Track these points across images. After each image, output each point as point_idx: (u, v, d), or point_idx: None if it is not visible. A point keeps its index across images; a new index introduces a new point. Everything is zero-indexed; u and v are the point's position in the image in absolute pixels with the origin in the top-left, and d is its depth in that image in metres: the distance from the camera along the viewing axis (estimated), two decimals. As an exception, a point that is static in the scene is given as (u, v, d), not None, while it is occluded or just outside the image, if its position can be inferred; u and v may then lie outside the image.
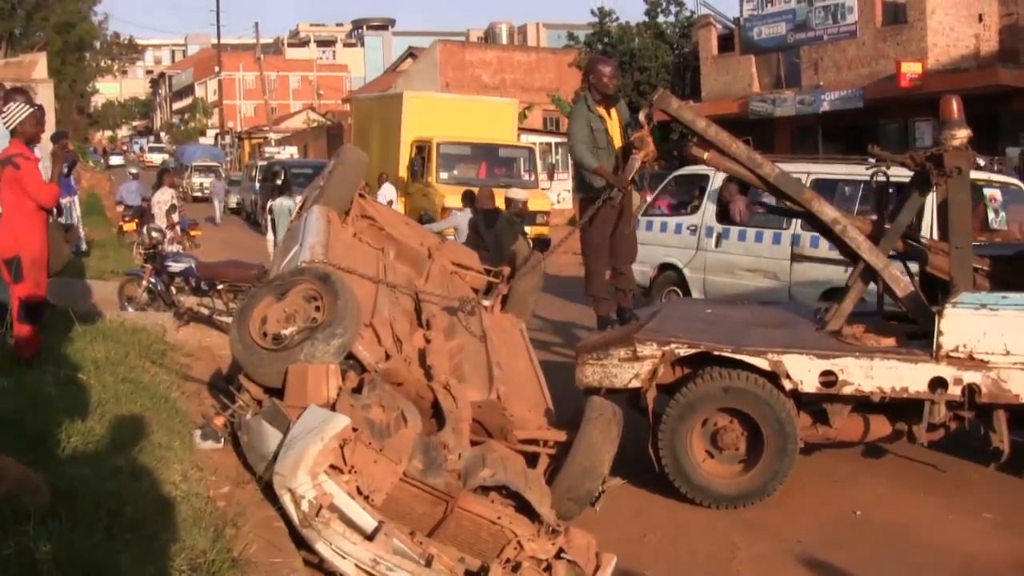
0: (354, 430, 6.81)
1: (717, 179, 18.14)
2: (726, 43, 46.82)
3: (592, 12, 56.50)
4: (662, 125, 11.31)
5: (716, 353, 9.80)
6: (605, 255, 11.97)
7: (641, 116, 11.05)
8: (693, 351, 9.83)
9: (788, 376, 9.63)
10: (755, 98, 42.77)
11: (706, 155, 10.78)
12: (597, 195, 11.40)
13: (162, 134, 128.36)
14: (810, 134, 41.54)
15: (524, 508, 7.49)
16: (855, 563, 8.56)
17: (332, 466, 6.63)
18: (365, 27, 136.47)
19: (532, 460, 8.57)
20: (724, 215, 18.00)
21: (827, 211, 10.60)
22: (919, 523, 9.59)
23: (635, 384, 9.87)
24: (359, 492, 6.66)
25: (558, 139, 49.01)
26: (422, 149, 30.32)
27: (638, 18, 56.00)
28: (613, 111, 11.87)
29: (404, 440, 7.33)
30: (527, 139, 41.17)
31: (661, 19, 55.54)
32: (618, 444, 8.58)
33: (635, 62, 52.21)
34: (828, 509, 9.91)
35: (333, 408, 7.23)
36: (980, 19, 39.13)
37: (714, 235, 17.72)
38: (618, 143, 11.69)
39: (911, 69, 36.76)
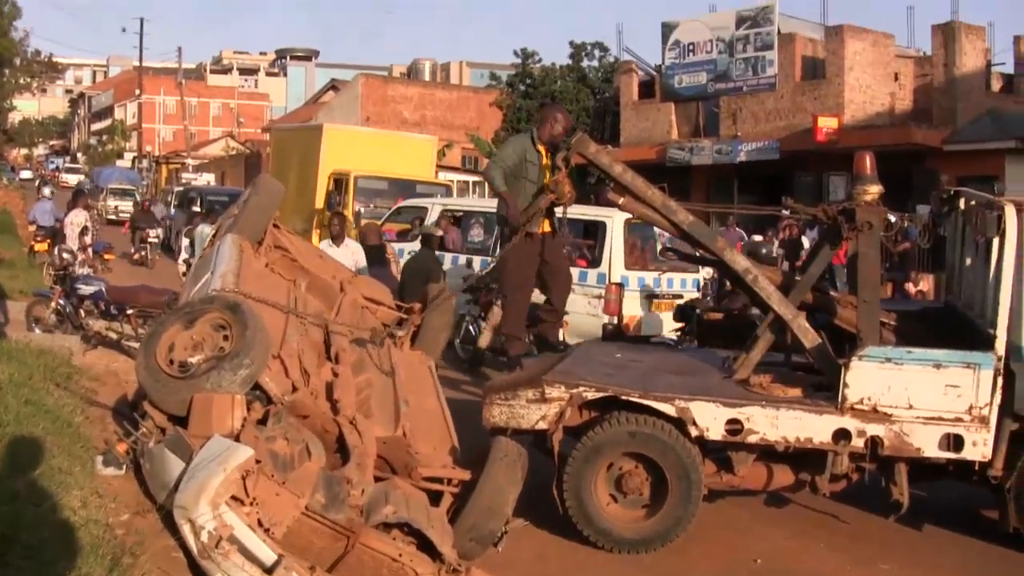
0: (257, 462, 6.76)
1: (435, 211, 21.45)
2: (647, 90, 47.19)
3: (515, 53, 56.75)
4: (580, 168, 11.35)
5: (624, 397, 9.84)
6: (526, 293, 11.98)
7: (559, 159, 11.07)
8: (601, 394, 9.87)
9: (694, 423, 9.69)
10: (673, 145, 43.14)
11: (621, 200, 10.86)
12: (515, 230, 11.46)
13: (79, 155, 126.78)
14: (726, 183, 41.95)
15: (426, 546, 7.47)
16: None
17: (233, 497, 6.57)
18: (288, 57, 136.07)
19: (436, 498, 8.55)
20: (441, 243, 19.76)
21: (739, 261, 10.71)
22: (818, 573, 9.71)
23: (542, 426, 9.89)
24: (260, 524, 6.60)
25: (476, 178, 49.15)
26: (340, 182, 30.16)
27: (562, 60, 56.28)
28: (549, 156, 11.89)
29: (307, 474, 7.29)
30: (445, 176, 41.20)
31: (585, 63, 55.92)
32: (522, 485, 8.59)
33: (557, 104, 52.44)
34: (729, 556, 9.97)
35: (237, 439, 7.17)
36: (896, 78, 39.85)
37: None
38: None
39: (827, 124, 37.30)
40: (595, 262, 18.39)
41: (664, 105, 45.19)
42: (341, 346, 9.69)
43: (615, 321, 17.61)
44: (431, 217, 21.46)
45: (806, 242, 27.12)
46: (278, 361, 8.42)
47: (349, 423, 8.22)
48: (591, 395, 9.87)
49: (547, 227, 11.87)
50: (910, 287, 22.85)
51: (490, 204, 21.11)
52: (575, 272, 17.73)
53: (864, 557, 10.07)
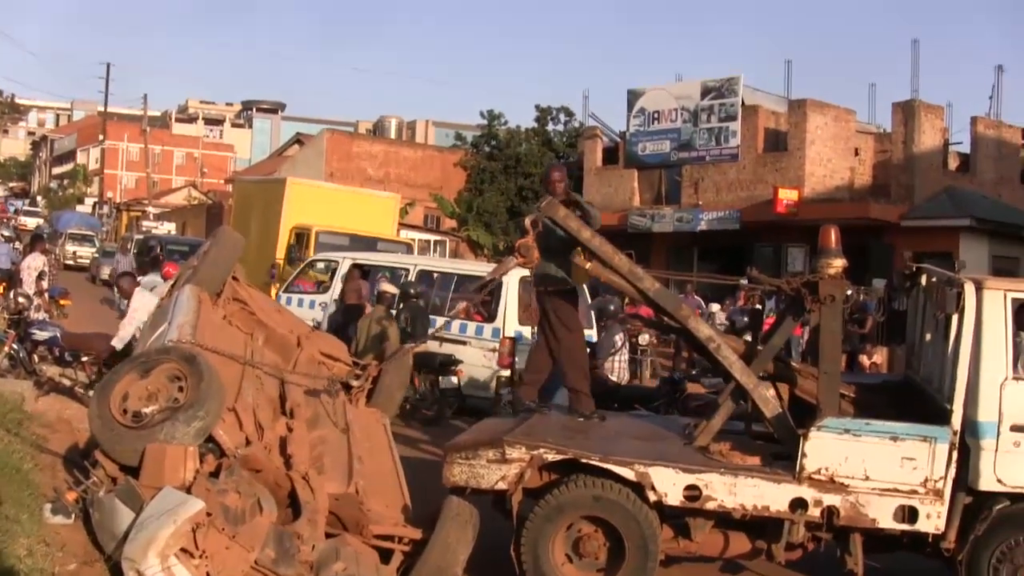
0: (208, 514, 6.75)
1: (344, 265, 22.40)
2: (611, 156, 47.38)
3: (481, 114, 56.89)
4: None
5: (584, 460, 9.85)
6: (583, 343, 11.96)
7: (527, 223, 11.08)
8: (561, 457, 9.88)
9: (653, 488, 9.72)
10: (635, 212, 43.33)
11: (588, 265, 10.90)
12: (560, 285, 11.44)
13: (39, 198, 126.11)
14: (686, 251, 42.18)
15: (374, 603, 7.48)
16: None
17: (183, 549, 6.57)
18: (255, 109, 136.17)
19: (386, 556, 8.54)
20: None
21: (702, 329, 10.77)
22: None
23: (502, 486, 9.88)
24: (208, 577, 6.60)
25: (438, 237, 49.21)
26: (301, 236, 30.17)
27: (528, 123, 56.50)
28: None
29: (258, 528, 7.28)
30: (407, 235, 41.25)
31: (550, 127, 56.13)
32: (473, 545, 8.60)
33: (520, 167, 52.70)
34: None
35: (189, 491, 7.16)
36: (856, 153, 40.26)
37: (323, 309, 21.24)
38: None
39: (788, 196, 37.60)
40: (491, 317, 19.46)
41: (627, 171, 45.38)
42: (296, 401, 9.69)
43: (507, 373, 18.22)
44: (341, 270, 22.41)
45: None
46: (233, 414, 8.43)
47: (302, 478, 8.22)
48: (552, 457, 9.89)
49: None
50: (864, 359, 22.98)
51: (398, 259, 23.97)
52: (472, 327, 19.05)
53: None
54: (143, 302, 14.67)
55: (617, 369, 16.05)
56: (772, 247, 39.62)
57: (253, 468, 8.05)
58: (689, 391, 15.28)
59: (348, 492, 8.60)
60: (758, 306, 27.58)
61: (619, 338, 16.20)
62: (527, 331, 18.20)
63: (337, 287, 22.14)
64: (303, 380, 10.18)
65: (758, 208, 38.83)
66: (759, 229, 39.09)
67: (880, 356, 26.59)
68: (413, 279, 20.83)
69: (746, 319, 22.90)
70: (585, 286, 12.57)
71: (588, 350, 17.04)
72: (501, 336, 18.84)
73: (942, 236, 35.14)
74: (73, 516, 8.02)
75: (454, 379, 19.07)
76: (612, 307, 17.31)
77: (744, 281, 22.81)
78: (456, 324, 19.61)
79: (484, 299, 19.96)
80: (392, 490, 9.57)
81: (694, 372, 17.59)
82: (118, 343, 14.67)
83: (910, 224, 36.08)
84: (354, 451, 9.40)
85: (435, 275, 21.96)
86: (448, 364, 18.54)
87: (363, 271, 22.22)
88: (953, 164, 41.66)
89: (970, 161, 41.29)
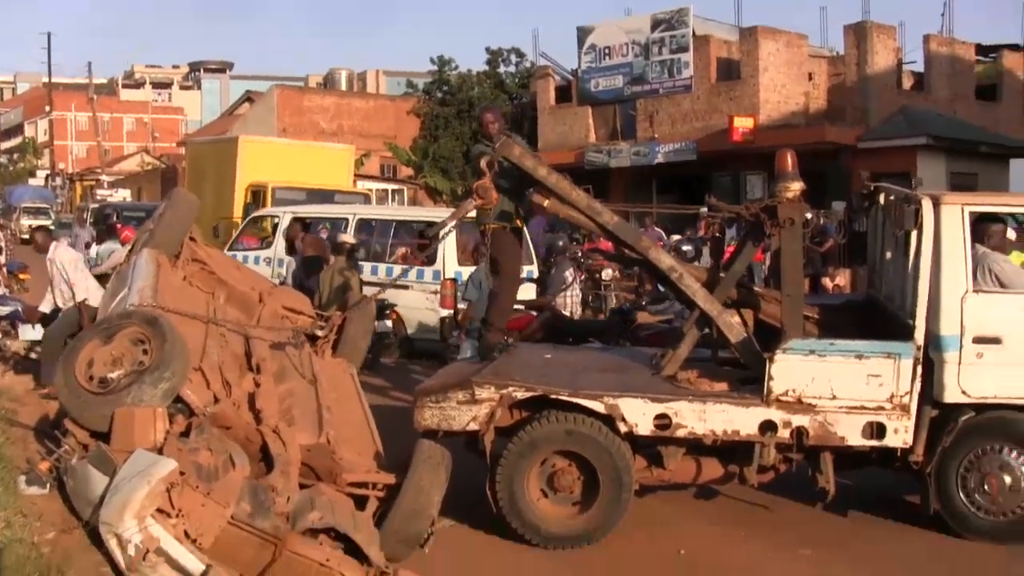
0: (181, 474, 6.75)
1: (285, 219, 22.63)
2: (564, 94, 47.29)
3: (432, 60, 56.59)
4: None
5: (553, 396, 9.91)
6: (516, 288, 11.89)
7: (483, 164, 11.03)
8: (530, 394, 9.92)
9: (624, 419, 9.79)
10: (591, 149, 43.31)
11: (546, 202, 10.86)
12: (502, 222, 11.36)
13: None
14: (644, 185, 42.19)
15: (353, 550, 7.51)
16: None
17: (159, 510, 6.56)
18: (202, 70, 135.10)
19: (361, 503, 8.57)
20: (292, 249, 21.00)
21: (664, 259, 10.79)
22: (740, 562, 9.87)
23: (473, 427, 9.94)
24: (186, 536, 6.60)
25: (395, 186, 49.10)
26: (257, 194, 30.06)
27: (479, 67, 56.29)
28: None
29: (232, 483, 7.28)
30: (364, 185, 41.18)
31: (501, 69, 55.94)
32: (447, 486, 8.64)
33: (473, 110, 52.51)
34: (653, 550, 10.06)
35: (160, 452, 7.16)
36: (810, 78, 40.31)
37: (284, 265, 21.05)
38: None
39: (743, 124, 37.65)
40: (431, 260, 19.51)
41: (581, 109, 45.33)
42: (262, 356, 9.69)
43: (451, 314, 18.37)
44: (283, 225, 22.72)
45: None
46: (199, 373, 8.41)
47: (272, 432, 8.23)
48: (521, 395, 9.94)
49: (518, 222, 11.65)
50: (827, 282, 23.10)
51: (337, 210, 24.47)
52: (413, 271, 19.28)
53: (784, 544, 10.21)
54: (64, 257, 14.74)
55: (569, 304, 16.09)
56: (730, 176, 39.75)
57: (223, 425, 8.05)
58: (639, 321, 15.35)
59: (319, 442, 8.60)
60: (717, 234, 27.74)
61: (569, 274, 16.23)
62: (467, 272, 18.37)
63: (280, 242, 22.54)
64: (267, 335, 10.18)
65: (714, 138, 38.89)
66: (716, 159, 39.17)
67: (843, 278, 26.73)
68: (353, 228, 21.26)
69: (688, 247, 23.07)
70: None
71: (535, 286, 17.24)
72: (442, 278, 19.09)
73: (899, 156, 35.34)
74: (48, 486, 7.99)
75: (388, 323, 19.22)
76: (561, 243, 17.38)
77: (704, 210, 22.91)
78: (397, 269, 20.17)
79: (424, 242, 20.60)
80: (363, 438, 9.59)
81: (643, 302, 17.65)
82: (45, 306, 14.70)
83: (867, 146, 36.28)
84: (323, 401, 9.39)
85: (375, 223, 22.47)
86: (381, 308, 18.56)
87: (304, 223, 22.41)
88: (907, 84, 41.80)
89: (924, 80, 41.45)
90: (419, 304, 19.65)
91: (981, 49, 43.91)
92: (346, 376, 10.85)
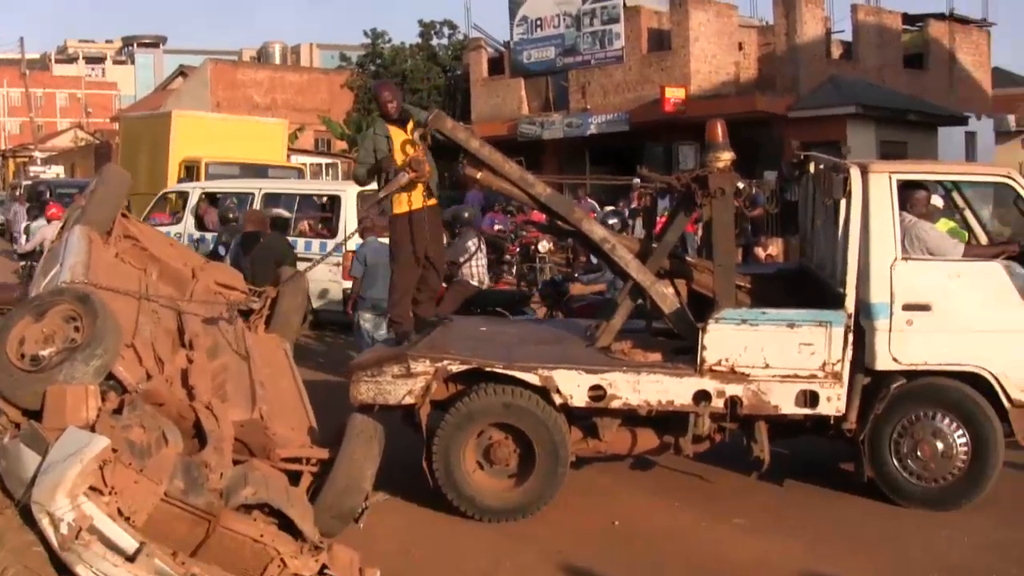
0: (114, 451, 6.72)
1: (194, 195, 23.36)
2: (497, 66, 47.25)
3: (365, 33, 56.47)
4: (438, 145, 11.23)
5: (488, 369, 9.96)
6: (413, 276, 11.58)
7: (416, 136, 11.03)
8: (465, 367, 9.97)
9: (558, 391, 9.84)
10: (524, 121, 43.28)
11: (479, 174, 10.88)
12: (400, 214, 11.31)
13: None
14: (578, 156, 42.25)
15: (287, 526, 7.50)
16: (612, 571, 8.93)
17: (92, 488, 6.52)
18: (135, 44, 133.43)
19: (295, 478, 8.56)
20: (201, 225, 22.30)
21: (596, 231, 10.86)
22: (674, 531, 9.94)
23: (409, 400, 9.97)
24: (120, 513, 6.56)
25: (329, 160, 48.93)
26: (191, 169, 29.99)
27: (412, 39, 56.22)
28: (409, 126, 11.42)
29: (165, 460, 7.26)
30: (298, 160, 41.03)
31: (434, 41, 55.86)
32: (380, 460, 8.68)
33: (407, 83, 52.42)
34: (589, 520, 10.13)
35: (93, 429, 7.12)
36: (740, 47, 40.54)
37: (193, 241, 21.69)
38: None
39: (675, 94, 37.78)
40: (333, 233, 20.36)
41: (514, 81, 45.30)
42: (195, 332, 9.64)
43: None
44: (192, 200, 23.25)
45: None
46: (131, 350, 8.36)
47: (205, 408, 8.19)
48: (455, 368, 9.97)
49: (416, 203, 11.53)
50: (759, 251, 23.23)
51: (242, 185, 24.67)
52: (316, 244, 20.02)
53: (719, 513, 10.32)
54: None
55: (476, 274, 16.11)
56: (663, 146, 39.86)
57: (156, 402, 8.00)
58: (572, 292, 15.47)
59: (252, 418, 8.57)
60: (648, 205, 27.83)
61: (472, 243, 16.22)
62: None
63: (189, 218, 23.08)
64: (200, 310, 10.15)
65: (646, 108, 39.01)
66: (649, 129, 39.27)
67: (775, 247, 26.85)
68: (260, 203, 21.58)
69: (615, 220, 23.23)
70: None
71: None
72: (344, 251, 19.01)
73: (830, 125, 35.62)
74: (-21, 466, 7.96)
75: None
76: (466, 214, 17.42)
77: (636, 181, 23.01)
78: (302, 242, 20.40)
79: (326, 216, 21.36)
80: (297, 413, 9.57)
81: (575, 274, 17.78)
82: None
83: (797, 115, 36.50)
84: (256, 377, 9.36)
85: (281, 197, 22.82)
86: None
87: (212, 199, 22.86)
88: (836, 53, 42.04)
89: (852, 49, 41.71)
90: (323, 276, 19.65)
91: (908, 18, 44.20)
92: (279, 351, 10.84)
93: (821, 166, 11.47)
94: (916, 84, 42.32)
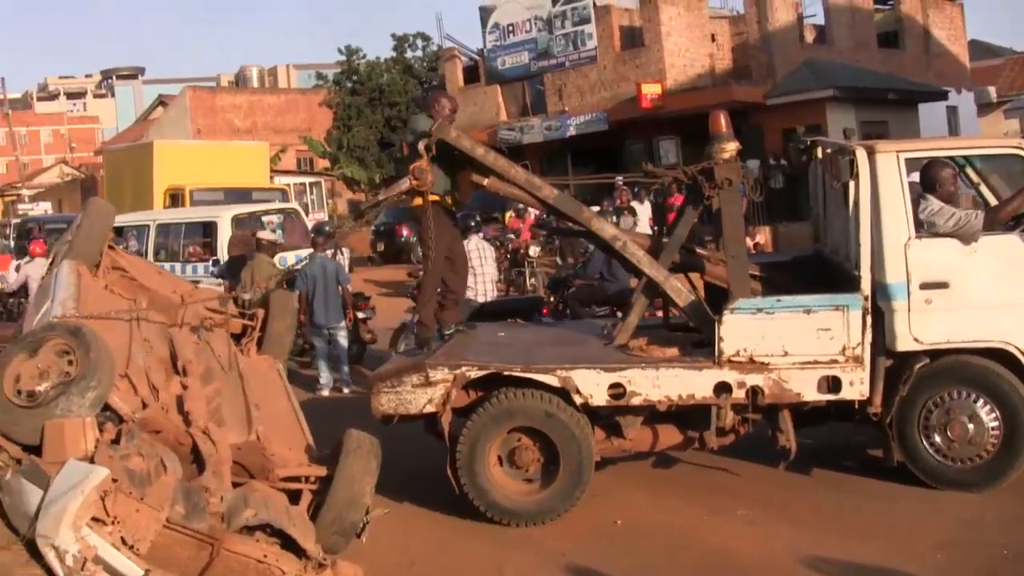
0: (114, 481, 6.78)
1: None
2: (472, 74, 47.27)
3: (339, 51, 56.71)
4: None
5: (506, 373, 9.93)
6: (441, 272, 11.42)
7: (420, 147, 10.97)
8: (484, 372, 9.95)
9: (578, 391, 9.79)
10: (503, 127, 43.23)
11: (486, 181, 10.79)
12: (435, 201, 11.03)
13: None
14: (559, 158, 42.25)
15: (290, 545, 7.55)
16: (618, 571, 8.89)
17: (94, 518, 6.57)
18: (114, 77, 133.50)
19: (295, 497, 8.59)
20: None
21: (607, 229, 10.84)
22: (678, 527, 9.89)
23: (430, 409, 9.98)
24: (123, 542, 6.60)
25: (312, 179, 49.04)
26: (176, 197, 30.13)
27: (386, 54, 56.43)
28: None
29: (165, 487, 7.31)
30: (281, 181, 41.08)
31: (409, 54, 56.06)
32: (378, 474, 8.73)
33: (384, 97, 52.59)
34: (589, 521, 10.09)
35: (92, 461, 7.18)
36: (713, 39, 40.48)
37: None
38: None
39: (651, 90, 37.76)
40: (213, 254, 22.18)
41: (490, 88, 45.29)
42: (188, 358, 9.69)
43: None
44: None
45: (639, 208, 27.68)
46: (126, 380, 8.40)
47: (202, 433, 8.23)
48: (474, 374, 9.97)
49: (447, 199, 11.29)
50: (747, 241, 23.36)
51: (139, 218, 26.04)
52: (200, 267, 21.59)
53: (721, 506, 10.27)
54: None
55: (475, 286, 15.95)
56: (643, 143, 39.87)
57: (152, 429, 8.04)
58: (578, 282, 15.63)
59: (249, 440, 8.62)
60: (634, 203, 27.99)
61: (473, 250, 16.14)
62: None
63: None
64: (191, 336, 10.22)
65: (624, 106, 39.03)
66: (627, 127, 39.32)
67: (763, 236, 27.07)
68: (154, 233, 23.74)
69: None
70: None
71: None
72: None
73: (808, 109, 35.67)
74: (-17, 503, 8.01)
75: None
76: (473, 223, 17.40)
77: (619, 179, 23.07)
78: (189, 267, 22.18)
79: (206, 240, 23.23)
80: (293, 432, 9.61)
81: (564, 274, 17.93)
82: None
83: (775, 102, 36.50)
84: (250, 399, 9.42)
85: (171, 226, 24.64)
86: None
87: (118, 231, 22.96)
88: (809, 37, 42.10)
89: (826, 32, 41.70)
90: None
91: (879, -3, 44.37)
92: (273, 372, 10.91)
93: (827, 150, 11.45)
94: (893, 62, 42.30)
